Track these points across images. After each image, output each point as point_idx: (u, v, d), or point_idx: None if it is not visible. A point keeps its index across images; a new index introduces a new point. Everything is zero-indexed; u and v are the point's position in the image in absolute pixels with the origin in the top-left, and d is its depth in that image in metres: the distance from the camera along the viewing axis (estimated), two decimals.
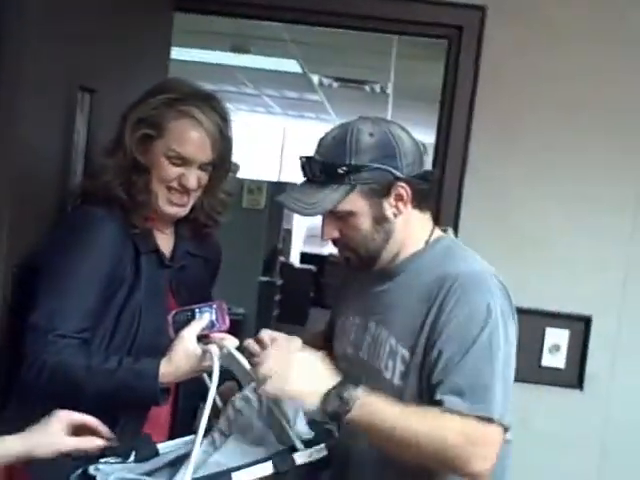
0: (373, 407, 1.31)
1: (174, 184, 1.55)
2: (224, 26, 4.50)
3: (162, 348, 1.45)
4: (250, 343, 1.42)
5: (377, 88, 6.32)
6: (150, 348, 1.49)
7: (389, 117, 8.15)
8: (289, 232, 8.23)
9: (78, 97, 1.71)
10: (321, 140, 1.43)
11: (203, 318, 1.39)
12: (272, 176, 9.46)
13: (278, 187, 7.20)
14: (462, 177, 2.25)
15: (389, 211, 1.42)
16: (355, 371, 1.45)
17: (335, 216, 1.42)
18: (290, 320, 6.93)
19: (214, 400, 1.32)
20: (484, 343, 1.34)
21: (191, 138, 1.53)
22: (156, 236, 1.60)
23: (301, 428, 1.32)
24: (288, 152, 10.93)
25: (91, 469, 1.24)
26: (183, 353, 1.38)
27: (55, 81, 1.64)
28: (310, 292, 8.88)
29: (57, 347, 1.41)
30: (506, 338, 1.38)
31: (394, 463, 1.39)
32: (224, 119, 1.59)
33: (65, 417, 1.26)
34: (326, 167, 1.38)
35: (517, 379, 2.14)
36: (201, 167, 1.57)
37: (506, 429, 1.36)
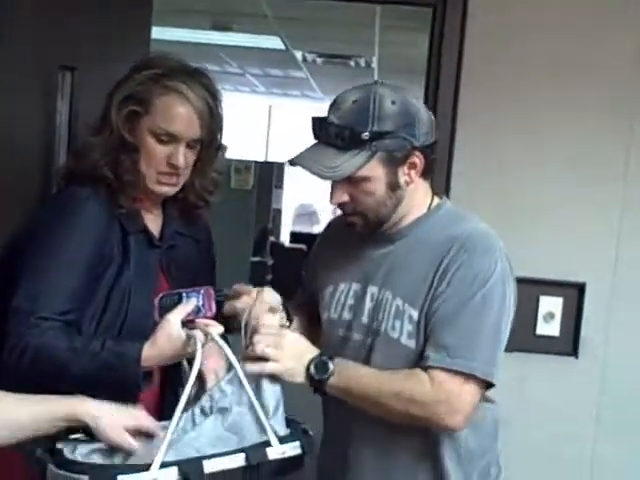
0: (350, 372, 1.41)
1: (162, 165, 1.52)
2: (205, 4, 4.44)
3: (151, 329, 1.42)
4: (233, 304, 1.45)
5: (362, 62, 6.26)
6: (139, 328, 1.47)
7: None
8: (278, 212, 8.20)
9: (59, 76, 1.68)
10: (339, 103, 1.41)
11: (189, 303, 1.37)
12: (259, 156, 9.40)
13: (266, 167, 7.16)
14: (451, 147, 2.23)
15: (402, 179, 1.45)
16: (355, 335, 1.50)
17: (348, 181, 1.42)
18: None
19: (202, 381, 1.33)
20: (477, 303, 1.39)
21: (178, 114, 1.50)
22: (144, 216, 1.57)
23: (278, 423, 1.34)
24: (274, 131, 10.86)
25: (59, 444, 1.24)
26: (167, 337, 1.36)
27: (35, 60, 1.62)
28: (301, 271, 8.85)
29: (40, 329, 1.39)
30: (503, 298, 1.43)
31: (399, 442, 1.47)
32: (213, 96, 1.55)
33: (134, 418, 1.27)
34: (348, 132, 1.38)
35: (512, 348, 2.12)
36: (189, 144, 1.53)
37: (490, 385, 1.42)
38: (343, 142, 1.38)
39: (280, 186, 7.90)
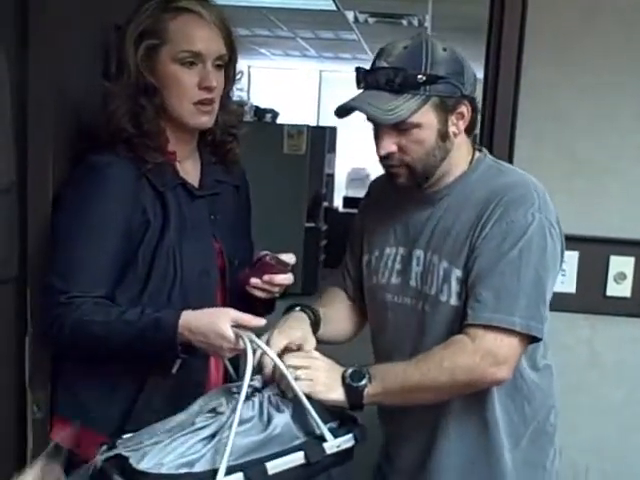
0: (384, 371, 1.36)
1: (195, 92, 1.45)
2: None
3: (210, 286, 1.43)
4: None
5: (414, 21, 6.13)
6: (198, 287, 1.46)
7: None
8: (331, 177, 8.15)
9: (113, 36, 1.65)
10: (388, 50, 1.38)
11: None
12: (311, 120, 9.33)
13: (318, 131, 7.10)
14: (515, 102, 2.13)
15: (451, 129, 1.42)
16: (405, 299, 1.48)
17: (397, 129, 1.38)
18: (337, 265, 6.90)
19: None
20: (514, 256, 1.35)
21: (197, 32, 1.44)
22: (180, 168, 1.51)
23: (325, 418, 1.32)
24: (325, 95, 10.76)
25: (123, 450, 1.21)
26: (212, 320, 1.33)
27: (90, 21, 1.60)
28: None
29: (74, 305, 1.38)
30: (543, 251, 1.38)
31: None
32: (224, 16, 1.49)
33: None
34: (403, 74, 1.34)
35: (582, 310, 2.10)
36: (215, 64, 1.47)
37: (533, 338, 1.38)
38: (396, 85, 1.34)
39: (332, 151, 7.84)
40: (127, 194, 1.42)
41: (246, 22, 6.43)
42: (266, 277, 1.45)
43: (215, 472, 1.17)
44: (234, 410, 1.23)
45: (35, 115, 1.48)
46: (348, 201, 9.33)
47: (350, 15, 6.10)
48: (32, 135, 1.48)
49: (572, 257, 2.08)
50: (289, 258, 1.47)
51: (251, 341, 1.30)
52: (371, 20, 6.17)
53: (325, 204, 7.59)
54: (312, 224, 6.97)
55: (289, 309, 1.50)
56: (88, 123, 1.51)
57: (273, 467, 1.21)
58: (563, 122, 2.14)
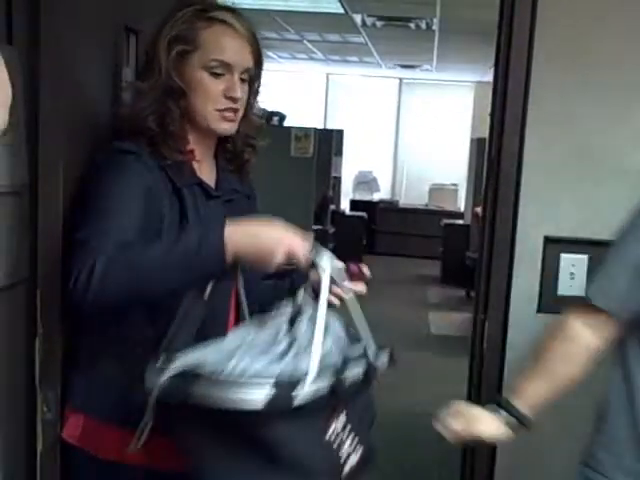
0: (529, 387, 1.48)
1: (220, 100, 1.48)
2: None
3: (226, 283, 1.41)
4: None
5: (422, 24, 6.13)
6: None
7: (435, 55, 7.91)
8: (338, 180, 8.16)
9: (124, 38, 1.66)
10: None
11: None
12: (318, 123, 9.35)
13: (325, 134, 7.11)
14: (525, 108, 2.12)
15: None
16: None
17: None
18: None
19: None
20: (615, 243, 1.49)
21: (228, 43, 1.48)
22: (197, 169, 1.53)
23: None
24: (332, 98, 10.77)
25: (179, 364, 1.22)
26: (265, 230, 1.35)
27: (101, 22, 1.61)
28: (362, 239, 8.85)
29: (103, 245, 1.33)
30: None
31: None
32: (254, 29, 1.53)
33: None
34: None
35: None
36: (241, 77, 1.50)
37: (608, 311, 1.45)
38: None
39: (339, 153, 7.85)
40: (145, 186, 1.43)
41: (254, 25, 6.44)
42: (347, 283, 1.43)
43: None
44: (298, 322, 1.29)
45: (47, 116, 1.48)
46: (355, 204, 9.35)
47: (358, 18, 6.10)
48: (43, 137, 1.49)
49: (581, 260, 2.08)
50: (366, 270, 1.49)
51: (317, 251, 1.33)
52: (379, 23, 6.17)
53: (332, 207, 7.60)
54: (319, 227, 6.98)
55: None
56: (99, 124, 1.51)
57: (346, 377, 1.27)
58: (572, 125, 2.14)
